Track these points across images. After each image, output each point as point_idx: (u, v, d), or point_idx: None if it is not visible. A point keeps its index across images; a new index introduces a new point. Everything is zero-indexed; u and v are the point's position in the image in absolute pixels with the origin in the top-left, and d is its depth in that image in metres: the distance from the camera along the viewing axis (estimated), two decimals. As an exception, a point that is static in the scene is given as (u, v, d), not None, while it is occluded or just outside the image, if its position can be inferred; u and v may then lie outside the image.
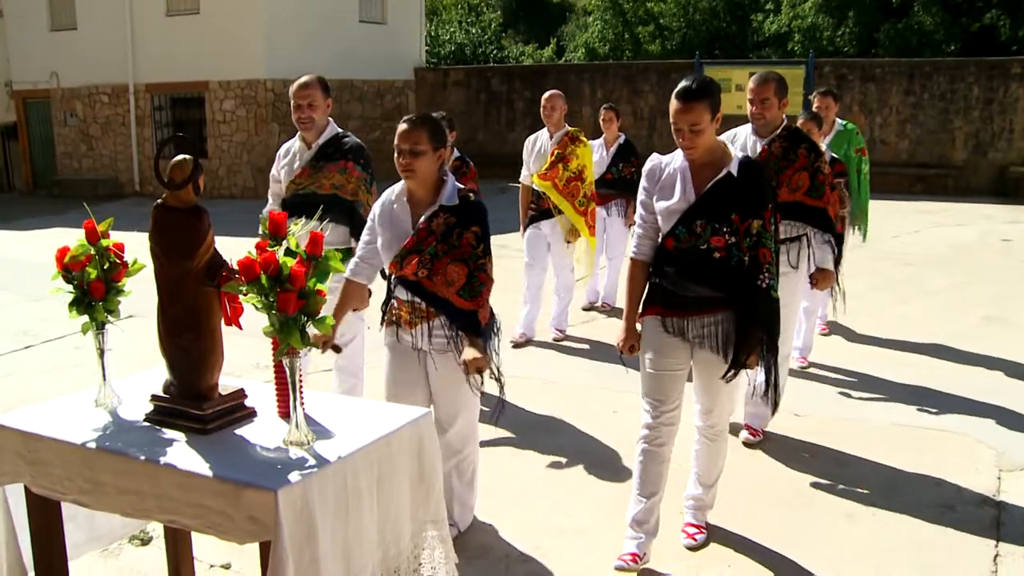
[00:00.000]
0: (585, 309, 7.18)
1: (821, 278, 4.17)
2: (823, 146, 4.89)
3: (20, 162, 18.31)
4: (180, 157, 2.39)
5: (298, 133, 4.17)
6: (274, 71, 15.06)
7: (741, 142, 4.15)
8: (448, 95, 17.98)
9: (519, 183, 6.37)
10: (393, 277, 3.32)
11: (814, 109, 5.71)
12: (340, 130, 4.18)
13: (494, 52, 27.93)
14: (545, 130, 6.17)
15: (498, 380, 3.37)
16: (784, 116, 4.10)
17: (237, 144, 15.41)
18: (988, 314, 6.88)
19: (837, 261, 4.29)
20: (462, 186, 3.30)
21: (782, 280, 4.20)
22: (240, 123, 15.37)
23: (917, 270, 8.61)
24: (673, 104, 3.04)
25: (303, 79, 4.10)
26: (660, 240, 3.19)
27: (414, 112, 3.45)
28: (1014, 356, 5.76)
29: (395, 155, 3.17)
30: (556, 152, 6.00)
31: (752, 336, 3.07)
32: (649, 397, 3.26)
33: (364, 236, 3.41)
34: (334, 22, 15.89)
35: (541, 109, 6.11)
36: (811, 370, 5.58)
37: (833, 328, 6.42)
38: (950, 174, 14.22)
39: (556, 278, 6.37)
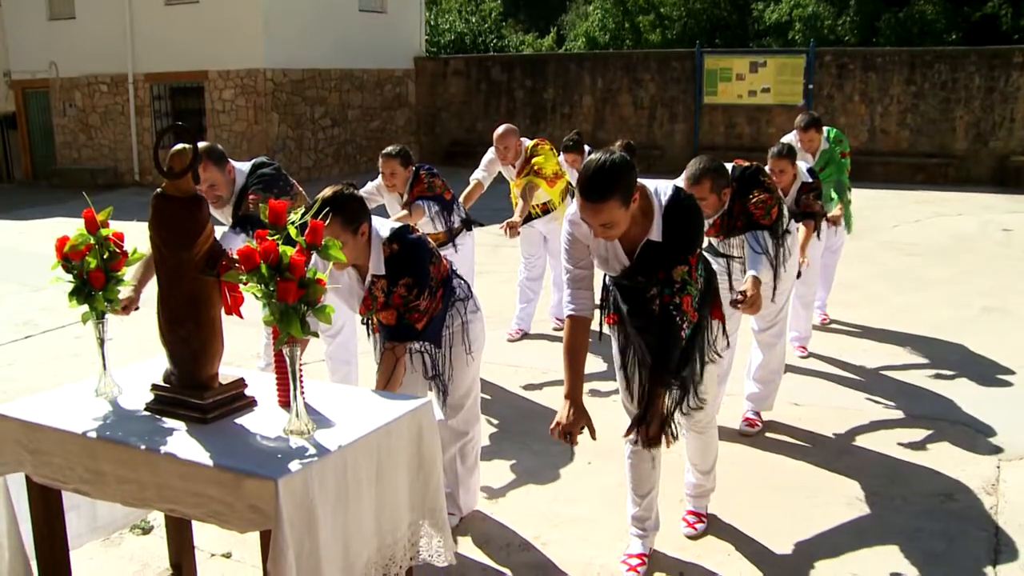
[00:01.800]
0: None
1: (750, 290, 3.60)
2: (801, 167, 4.88)
3: (19, 152, 18.27)
4: (180, 146, 2.38)
5: None
6: (274, 60, 15.01)
7: None
8: (448, 84, 17.93)
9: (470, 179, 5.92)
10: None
11: (796, 145, 5.37)
12: (247, 168, 4.22)
13: (494, 41, 27.85)
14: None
15: (443, 391, 3.38)
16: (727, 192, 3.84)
17: (236, 134, 15.36)
18: (988, 304, 6.88)
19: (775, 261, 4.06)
20: (386, 236, 3.12)
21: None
22: (240, 113, 15.32)
23: (917, 260, 8.60)
24: (579, 200, 2.64)
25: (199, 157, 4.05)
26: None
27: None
28: (1014, 346, 5.76)
29: None
30: (524, 173, 5.83)
31: (661, 383, 2.81)
32: (628, 402, 3.17)
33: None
34: (333, 11, 15.83)
35: (494, 150, 5.84)
36: (810, 360, 5.59)
37: (833, 317, 6.43)
38: (951, 164, 14.18)
39: (553, 271, 6.35)
